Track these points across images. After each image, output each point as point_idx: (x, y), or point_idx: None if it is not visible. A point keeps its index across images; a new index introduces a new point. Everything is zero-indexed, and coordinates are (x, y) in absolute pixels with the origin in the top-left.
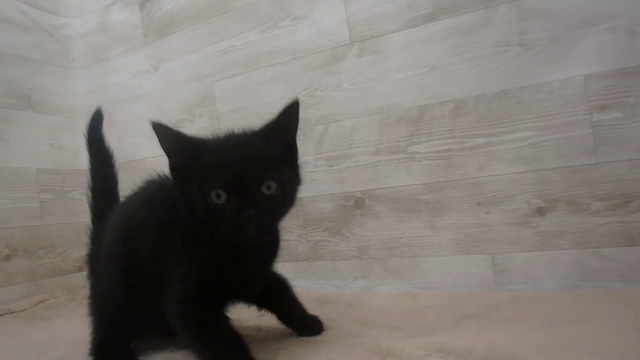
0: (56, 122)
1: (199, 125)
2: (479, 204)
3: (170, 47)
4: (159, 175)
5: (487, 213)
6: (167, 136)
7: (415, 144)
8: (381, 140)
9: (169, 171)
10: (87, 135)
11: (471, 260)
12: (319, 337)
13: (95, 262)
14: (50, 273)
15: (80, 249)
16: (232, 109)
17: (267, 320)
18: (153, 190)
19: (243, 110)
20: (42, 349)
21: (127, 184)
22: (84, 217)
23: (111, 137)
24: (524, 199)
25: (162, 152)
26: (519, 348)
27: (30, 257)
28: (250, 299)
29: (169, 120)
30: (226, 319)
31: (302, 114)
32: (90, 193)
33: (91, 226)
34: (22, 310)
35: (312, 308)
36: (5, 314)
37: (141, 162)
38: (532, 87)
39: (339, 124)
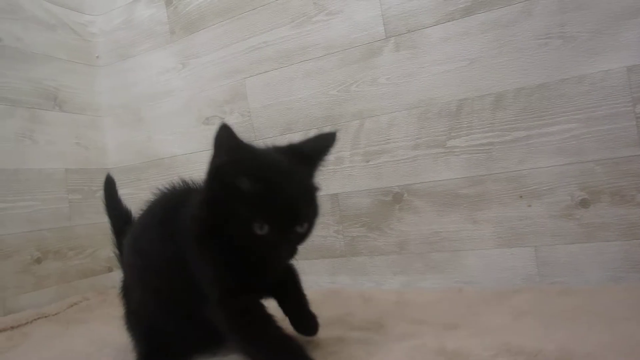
0: (82, 120)
1: (231, 122)
2: (521, 196)
3: (199, 43)
4: (160, 191)
5: (529, 206)
6: (231, 140)
7: (454, 138)
8: (419, 134)
9: (211, 169)
10: (104, 201)
11: (514, 253)
12: (377, 338)
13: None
14: (80, 274)
15: (109, 248)
16: (264, 105)
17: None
18: (157, 202)
19: (277, 106)
20: (89, 356)
21: (158, 182)
22: None
23: (139, 134)
24: (567, 192)
25: (193, 150)
26: (589, 348)
27: (61, 258)
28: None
29: (199, 117)
30: (269, 316)
31: (338, 110)
32: (117, 250)
33: (123, 278)
34: (55, 314)
35: (354, 306)
36: (39, 318)
37: (171, 159)
38: (573, 80)
39: (375, 119)
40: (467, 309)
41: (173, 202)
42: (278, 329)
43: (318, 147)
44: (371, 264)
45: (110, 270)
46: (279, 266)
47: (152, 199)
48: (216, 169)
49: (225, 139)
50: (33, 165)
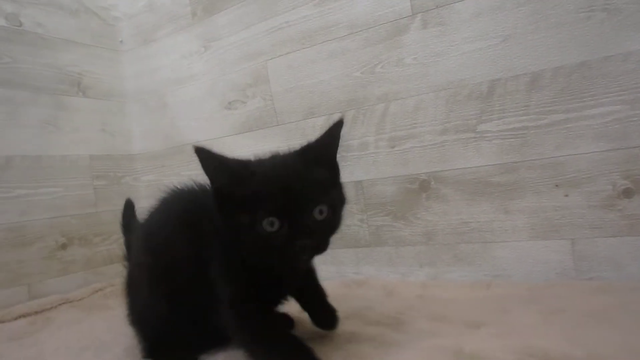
0: (107, 106)
1: (252, 107)
2: (557, 185)
3: (220, 25)
4: (172, 190)
5: (566, 195)
6: (211, 161)
7: (485, 122)
8: (448, 118)
9: (214, 197)
10: (121, 222)
11: (548, 246)
12: (392, 336)
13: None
14: (106, 260)
15: None
16: (286, 89)
17: None
18: (172, 201)
19: (299, 90)
20: (102, 343)
21: (182, 168)
22: (138, 202)
23: (164, 120)
24: (608, 180)
25: (216, 135)
26: (621, 353)
27: (87, 245)
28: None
29: (222, 101)
30: (280, 320)
31: (362, 92)
32: (126, 262)
33: (127, 276)
34: (79, 300)
35: (375, 299)
36: (63, 303)
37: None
38: (618, 57)
39: (401, 102)
40: (494, 305)
41: (193, 203)
42: (285, 331)
43: (324, 138)
44: (396, 254)
45: None
46: (303, 264)
47: (164, 198)
48: (214, 189)
49: (206, 159)
50: (56, 152)
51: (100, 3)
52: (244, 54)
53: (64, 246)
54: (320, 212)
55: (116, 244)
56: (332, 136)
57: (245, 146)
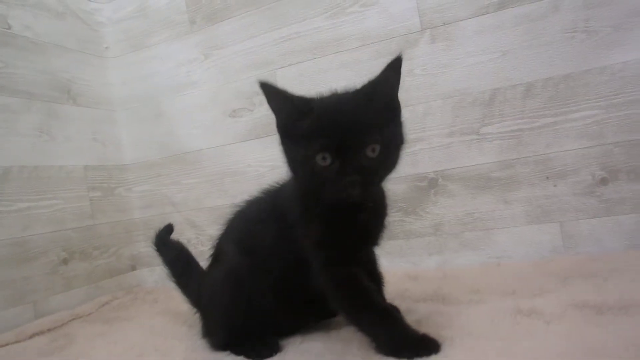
0: (96, 115)
1: (259, 114)
2: (547, 177)
3: (223, 33)
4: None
5: (555, 185)
6: (274, 95)
7: (487, 125)
8: (454, 122)
9: (278, 129)
10: (154, 241)
11: (542, 229)
12: (449, 307)
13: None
14: (106, 274)
15: (131, 246)
16: None
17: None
18: (247, 207)
19: None
20: (156, 348)
21: (181, 177)
22: (132, 213)
23: (159, 128)
24: (588, 171)
25: (219, 143)
26: None
27: (87, 258)
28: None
29: (225, 110)
30: (371, 287)
31: None
32: (175, 280)
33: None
34: (89, 314)
35: (406, 283)
36: (73, 319)
37: (196, 154)
38: (595, 70)
39: (410, 109)
40: (513, 278)
41: (271, 194)
42: (381, 302)
43: (382, 75)
44: (407, 246)
45: (134, 268)
46: (354, 198)
47: (243, 205)
48: (277, 122)
49: (270, 94)
50: (53, 162)
51: (83, 7)
52: (250, 63)
53: (65, 261)
54: (373, 150)
55: (114, 256)
56: (390, 73)
57: (251, 153)
